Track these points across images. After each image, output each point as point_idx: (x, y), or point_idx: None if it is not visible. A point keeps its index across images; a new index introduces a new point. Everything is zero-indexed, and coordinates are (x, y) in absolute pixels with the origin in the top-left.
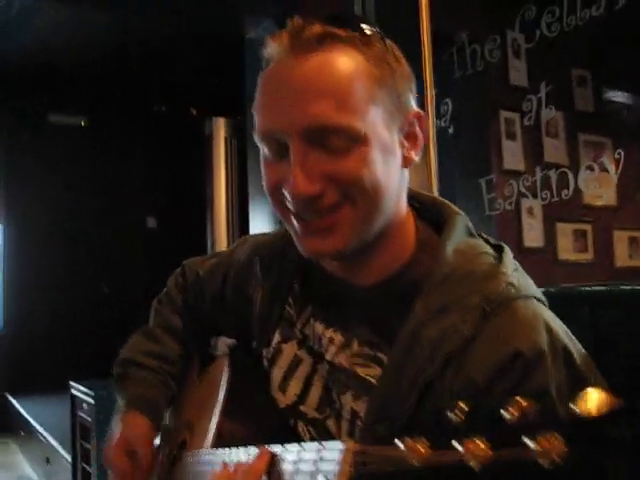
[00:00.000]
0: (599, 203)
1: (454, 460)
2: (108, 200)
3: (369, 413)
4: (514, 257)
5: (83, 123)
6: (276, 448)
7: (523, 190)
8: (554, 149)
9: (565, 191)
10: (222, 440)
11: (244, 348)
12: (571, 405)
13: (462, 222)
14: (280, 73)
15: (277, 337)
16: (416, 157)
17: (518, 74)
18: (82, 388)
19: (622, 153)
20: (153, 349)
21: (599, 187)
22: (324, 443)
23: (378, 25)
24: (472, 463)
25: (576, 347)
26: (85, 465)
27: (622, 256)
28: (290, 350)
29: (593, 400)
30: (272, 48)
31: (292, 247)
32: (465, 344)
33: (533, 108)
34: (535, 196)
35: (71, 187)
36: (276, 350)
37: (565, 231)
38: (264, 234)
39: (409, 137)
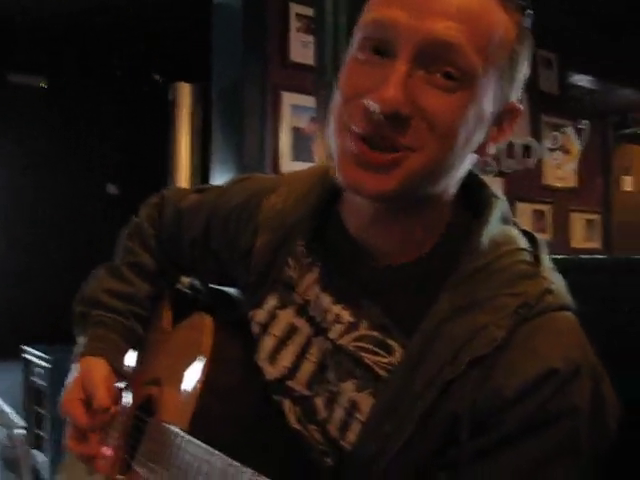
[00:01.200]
0: (559, 184)
1: None
2: (67, 165)
3: (376, 408)
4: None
5: (43, 84)
6: None
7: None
8: (517, 128)
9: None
10: (200, 420)
11: (225, 303)
12: None
13: (500, 207)
14: None
15: (273, 301)
16: (491, 151)
17: None
18: (36, 352)
19: (583, 132)
20: (118, 288)
21: (559, 168)
22: None
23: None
24: None
25: (601, 366)
26: (38, 431)
27: (578, 238)
28: (286, 317)
29: None
30: None
31: (301, 209)
32: (496, 350)
33: None
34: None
35: (29, 150)
36: (269, 315)
37: (525, 211)
38: (266, 177)
39: (497, 126)
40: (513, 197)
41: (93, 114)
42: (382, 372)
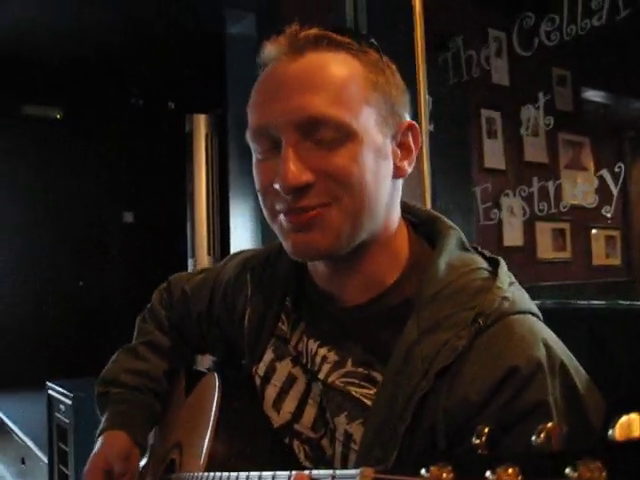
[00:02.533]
0: (577, 202)
1: None
2: (84, 194)
3: (366, 436)
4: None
5: (58, 115)
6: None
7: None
8: (533, 147)
9: (547, 204)
10: (216, 462)
11: (232, 364)
12: (610, 431)
13: (455, 236)
14: (276, 72)
15: (270, 354)
16: (409, 168)
17: (500, 73)
18: (59, 389)
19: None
20: (136, 366)
21: (578, 187)
22: (337, 471)
23: (370, 28)
24: None
25: (573, 364)
26: (62, 467)
27: (599, 255)
28: (284, 368)
29: (631, 424)
30: (269, 51)
31: (283, 261)
32: (459, 359)
33: (531, 115)
34: (524, 215)
35: (46, 181)
36: (270, 368)
37: (544, 230)
38: (254, 250)
39: (402, 147)
40: (532, 217)
41: (108, 144)
42: (369, 402)
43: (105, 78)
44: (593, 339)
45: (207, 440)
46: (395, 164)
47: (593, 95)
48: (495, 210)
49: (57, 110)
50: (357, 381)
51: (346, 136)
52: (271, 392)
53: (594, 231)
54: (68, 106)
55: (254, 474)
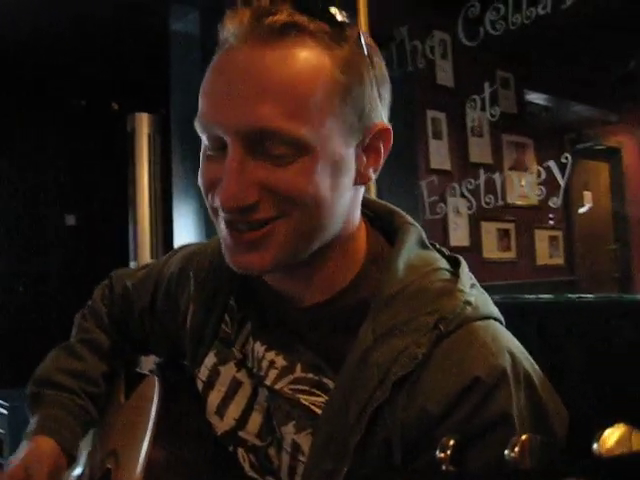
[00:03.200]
0: (521, 203)
1: None
2: (25, 197)
3: (315, 447)
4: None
5: None
6: None
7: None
8: (479, 148)
9: (490, 196)
10: (153, 471)
11: (174, 366)
12: (594, 445)
13: (415, 233)
14: (232, 61)
15: (213, 358)
16: (374, 175)
17: (445, 75)
18: None
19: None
20: (73, 367)
21: (521, 187)
22: None
23: None
24: None
25: (536, 373)
26: None
27: (543, 254)
28: (228, 372)
29: (615, 438)
30: (229, 29)
31: None
32: (418, 368)
33: (477, 107)
34: (470, 208)
35: None
36: (212, 372)
37: (489, 230)
38: (199, 244)
39: (369, 151)
40: (477, 217)
41: (51, 145)
42: (319, 411)
43: (45, 78)
44: (541, 333)
45: (144, 448)
46: (359, 171)
47: (536, 98)
48: (441, 204)
49: None
50: (307, 388)
51: (300, 151)
52: (214, 397)
53: (538, 231)
54: (7, 107)
55: None
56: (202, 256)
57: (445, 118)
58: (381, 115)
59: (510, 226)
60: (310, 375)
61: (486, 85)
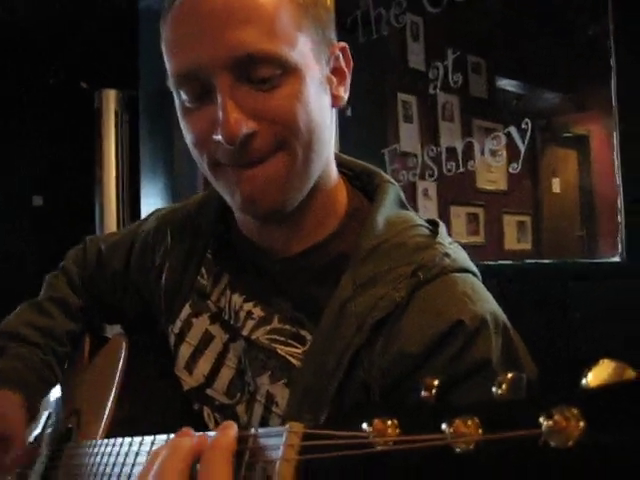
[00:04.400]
0: (490, 187)
1: (436, 444)
2: None
3: (293, 396)
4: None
5: None
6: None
7: (420, 165)
8: (449, 131)
9: (455, 165)
10: (115, 429)
11: (141, 329)
12: (583, 380)
13: (394, 192)
14: (189, 5)
15: (187, 310)
16: (345, 95)
17: (416, 57)
18: None
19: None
20: (39, 322)
21: (491, 172)
22: (260, 429)
23: None
24: (459, 447)
25: (511, 326)
26: None
27: (511, 239)
28: (201, 324)
29: (608, 370)
30: None
31: (205, 214)
32: (397, 311)
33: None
34: (431, 175)
35: None
36: (185, 324)
37: (459, 214)
38: (174, 205)
39: (335, 72)
40: (447, 201)
41: (17, 124)
42: (296, 362)
43: (13, 56)
44: (503, 295)
45: (108, 406)
46: (332, 93)
47: (507, 84)
48: (403, 172)
49: None
50: (284, 339)
51: (286, 72)
52: (185, 351)
53: (506, 217)
54: None
55: (148, 438)
56: (178, 213)
57: (416, 101)
58: (334, 36)
59: (479, 210)
60: (287, 326)
61: (449, 52)
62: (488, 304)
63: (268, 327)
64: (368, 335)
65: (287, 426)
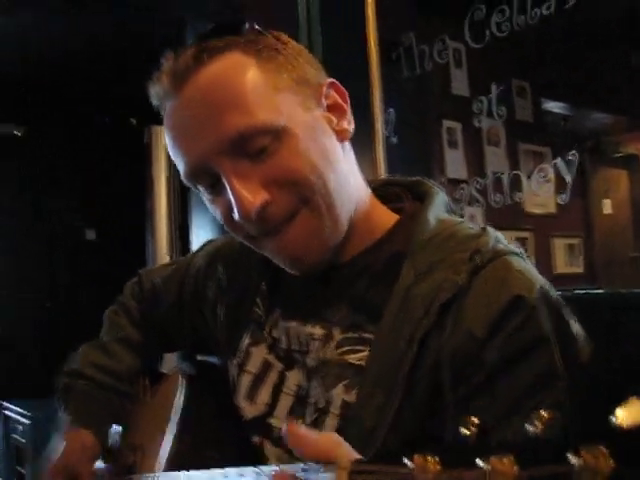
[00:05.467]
0: (538, 211)
1: None
2: (46, 212)
3: (365, 384)
4: None
5: (17, 132)
6: (250, 470)
7: (467, 195)
8: (495, 158)
9: (502, 197)
10: (175, 465)
11: (199, 363)
12: (612, 416)
13: (441, 196)
14: (175, 114)
15: (246, 340)
16: (349, 127)
17: (459, 84)
18: (16, 408)
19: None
20: (104, 363)
21: (539, 195)
22: (309, 464)
23: (322, 26)
24: None
25: (560, 299)
26: None
27: (561, 263)
28: (259, 353)
29: (637, 409)
30: (157, 94)
31: None
32: (460, 294)
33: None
34: (482, 199)
35: (6, 199)
36: (245, 354)
37: (507, 238)
38: (224, 238)
39: (332, 109)
40: (494, 226)
41: (70, 161)
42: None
43: (66, 95)
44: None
45: (168, 442)
46: (335, 130)
47: (553, 106)
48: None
49: (16, 127)
50: (350, 347)
51: (277, 136)
52: (245, 380)
53: (556, 240)
54: (27, 123)
55: (233, 470)
56: (229, 248)
57: (461, 127)
58: (321, 76)
59: (528, 234)
60: (350, 334)
61: (493, 86)
62: (542, 280)
63: (333, 343)
64: (436, 318)
65: (336, 462)
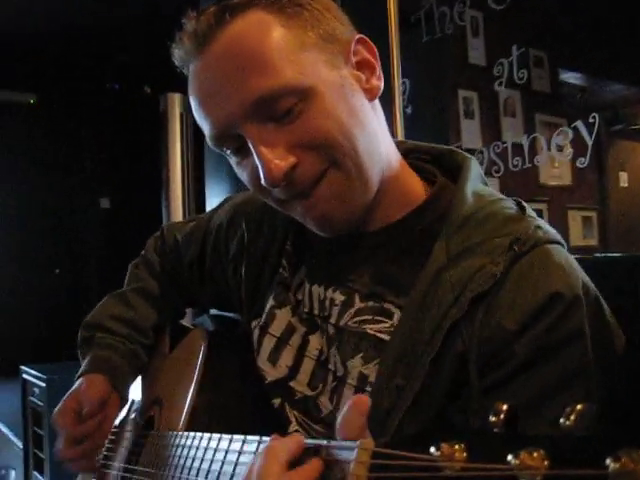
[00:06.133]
0: (554, 183)
1: (503, 474)
2: (59, 181)
3: (385, 363)
4: None
5: (32, 100)
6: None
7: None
8: (511, 127)
9: (519, 162)
10: (195, 421)
11: (221, 318)
12: None
13: (477, 167)
14: (198, 77)
15: (271, 302)
16: (379, 83)
17: (476, 53)
18: (33, 372)
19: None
20: (125, 314)
21: (555, 167)
22: (332, 442)
23: None
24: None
25: (597, 292)
26: (37, 451)
27: (577, 235)
28: (284, 316)
29: None
30: (180, 56)
31: None
32: (495, 286)
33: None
34: (497, 171)
35: (20, 168)
36: (268, 316)
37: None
38: (246, 193)
39: (362, 66)
40: (509, 197)
41: (84, 130)
42: (386, 337)
43: (80, 62)
44: None
45: (189, 396)
46: (364, 88)
47: (570, 77)
48: None
49: (31, 95)
50: (370, 317)
51: (303, 96)
52: (268, 343)
53: (571, 212)
54: (42, 91)
55: (226, 437)
56: (252, 205)
57: (477, 97)
58: (350, 32)
59: (543, 206)
60: (370, 303)
61: (514, 48)
62: (581, 275)
63: (352, 310)
64: (467, 308)
65: (358, 442)
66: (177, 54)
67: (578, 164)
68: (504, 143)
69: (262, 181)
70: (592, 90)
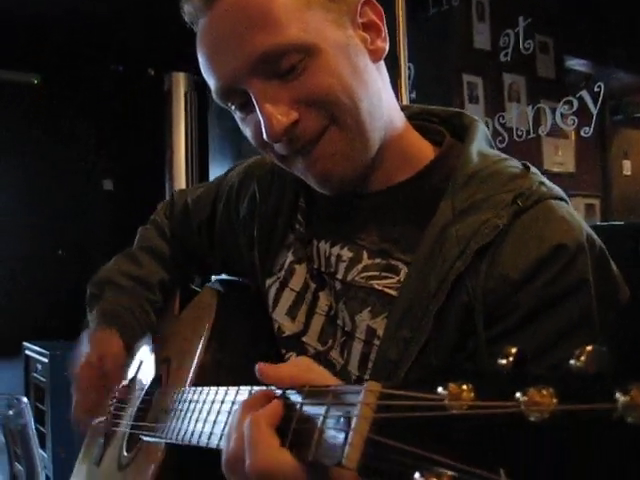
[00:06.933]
0: (557, 169)
1: (508, 411)
2: (62, 162)
3: (393, 316)
4: None
5: (36, 81)
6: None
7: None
8: (516, 113)
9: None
10: (202, 378)
11: (230, 281)
12: None
13: (483, 129)
14: (205, 32)
15: (290, 257)
16: (385, 44)
17: (481, 37)
18: (36, 348)
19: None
20: (133, 271)
21: (558, 154)
22: (339, 387)
23: None
24: (533, 416)
25: (601, 244)
26: (40, 426)
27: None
28: (302, 272)
29: None
30: (188, 12)
31: None
32: (499, 239)
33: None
34: (501, 142)
35: (23, 148)
36: (288, 271)
37: None
38: (257, 157)
39: (368, 27)
40: None
41: (87, 111)
42: (394, 292)
43: (84, 43)
44: None
45: (197, 355)
46: (369, 49)
47: (575, 63)
48: None
49: (34, 76)
50: (377, 273)
51: (307, 54)
52: (288, 297)
53: (574, 199)
54: (45, 72)
55: (222, 388)
56: (262, 166)
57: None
58: None
59: None
60: (378, 260)
61: (520, 19)
62: (586, 227)
63: (360, 266)
64: (471, 260)
65: (365, 385)
66: (186, 9)
67: (583, 133)
68: (509, 114)
69: (264, 136)
70: (597, 78)
